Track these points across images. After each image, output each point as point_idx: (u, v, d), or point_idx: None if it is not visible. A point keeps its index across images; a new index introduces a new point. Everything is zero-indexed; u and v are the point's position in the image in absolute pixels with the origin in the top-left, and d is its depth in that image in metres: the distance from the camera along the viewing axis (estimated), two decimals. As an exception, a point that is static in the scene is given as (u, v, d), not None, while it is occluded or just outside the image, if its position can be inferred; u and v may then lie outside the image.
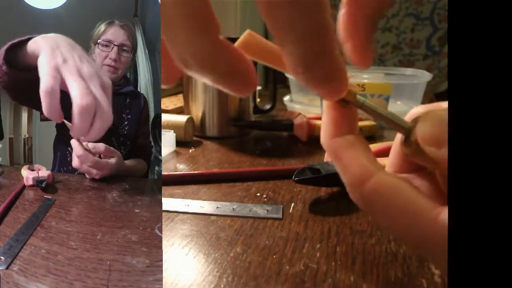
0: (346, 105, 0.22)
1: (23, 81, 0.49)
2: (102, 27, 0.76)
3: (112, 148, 0.54)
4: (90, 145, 0.50)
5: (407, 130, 0.20)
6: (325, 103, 0.23)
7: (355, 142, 0.21)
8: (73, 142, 0.48)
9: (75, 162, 0.49)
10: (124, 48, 0.76)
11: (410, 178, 0.23)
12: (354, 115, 0.22)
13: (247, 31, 0.22)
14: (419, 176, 0.22)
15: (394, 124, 0.21)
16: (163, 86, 0.21)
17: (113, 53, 0.74)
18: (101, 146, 0.52)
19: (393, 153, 0.24)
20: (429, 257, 0.20)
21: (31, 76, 0.44)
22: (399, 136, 0.23)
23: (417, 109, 0.22)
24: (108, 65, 0.74)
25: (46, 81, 0.37)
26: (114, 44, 0.74)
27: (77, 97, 0.37)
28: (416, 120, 0.20)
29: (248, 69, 0.18)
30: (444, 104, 0.21)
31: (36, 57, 0.40)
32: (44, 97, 0.36)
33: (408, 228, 0.19)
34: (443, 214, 0.17)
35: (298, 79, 0.18)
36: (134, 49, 0.79)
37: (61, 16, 1.03)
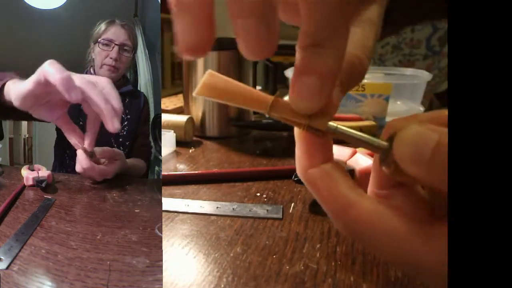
0: (318, 134, 0.21)
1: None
2: (102, 26, 0.76)
3: (117, 150, 0.54)
4: (97, 149, 0.49)
5: (384, 151, 0.20)
6: (296, 135, 0.22)
7: (331, 171, 0.21)
8: (80, 153, 0.47)
9: (79, 169, 0.48)
10: (125, 47, 0.76)
11: (392, 195, 0.22)
12: (328, 142, 0.22)
13: (209, 72, 0.21)
14: (401, 192, 0.22)
15: (370, 146, 0.20)
16: (188, 57, 0.19)
17: (113, 53, 0.74)
18: (107, 150, 0.51)
19: (373, 169, 0.24)
20: (424, 281, 0.20)
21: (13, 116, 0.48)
22: (376, 160, 0.23)
23: (393, 123, 0.21)
24: (109, 65, 0.74)
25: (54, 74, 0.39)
26: (115, 44, 0.74)
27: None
28: (392, 138, 0.19)
29: (275, 26, 0.18)
30: (421, 116, 0.20)
31: (10, 100, 0.43)
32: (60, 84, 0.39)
33: (395, 257, 0.18)
34: (431, 239, 0.17)
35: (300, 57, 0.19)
36: (134, 49, 0.79)
37: (61, 16, 1.03)
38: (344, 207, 0.19)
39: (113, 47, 0.74)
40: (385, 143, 0.20)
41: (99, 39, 0.75)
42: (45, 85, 0.40)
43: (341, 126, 0.21)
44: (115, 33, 0.75)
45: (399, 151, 0.18)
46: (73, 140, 0.46)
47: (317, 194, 0.21)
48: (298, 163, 0.22)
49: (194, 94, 0.21)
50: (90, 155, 0.47)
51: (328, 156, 0.21)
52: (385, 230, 0.18)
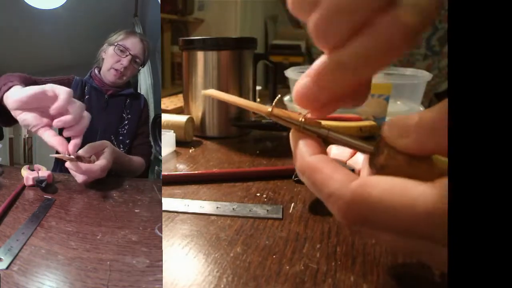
0: (312, 135, 0.24)
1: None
2: (123, 33, 0.78)
3: (99, 141, 0.54)
4: (81, 151, 0.49)
5: (373, 152, 0.22)
6: (292, 136, 0.25)
7: (331, 158, 0.23)
8: (68, 165, 0.47)
9: (81, 179, 0.48)
10: (137, 60, 0.78)
11: None
12: (319, 140, 0.24)
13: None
14: None
15: (359, 147, 0.23)
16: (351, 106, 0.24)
17: (125, 60, 0.76)
18: (92, 145, 0.51)
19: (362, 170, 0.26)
20: (427, 253, 0.20)
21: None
22: (364, 174, 0.25)
23: (360, 155, 0.25)
24: (117, 69, 0.75)
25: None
26: (129, 53, 0.76)
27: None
28: (377, 141, 0.22)
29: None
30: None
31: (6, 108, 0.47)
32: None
33: (401, 215, 0.19)
34: (435, 182, 0.18)
35: None
36: (143, 64, 0.81)
37: (61, 16, 1.03)
38: (348, 179, 0.21)
39: (126, 55, 0.76)
40: (371, 146, 0.22)
41: (116, 43, 0.76)
42: (44, 98, 0.44)
43: (332, 131, 0.24)
44: (133, 43, 0.77)
45: (389, 132, 0.21)
46: (60, 149, 0.46)
47: (318, 175, 0.22)
48: (298, 154, 0.24)
49: (202, 92, 0.27)
50: (80, 160, 0.48)
51: (322, 150, 0.24)
52: (389, 187, 0.19)
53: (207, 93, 0.29)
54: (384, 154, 0.21)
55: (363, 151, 0.23)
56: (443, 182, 0.18)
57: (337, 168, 0.22)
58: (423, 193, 0.18)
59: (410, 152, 0.20)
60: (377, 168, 0.22)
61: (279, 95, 0.26)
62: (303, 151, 0.23)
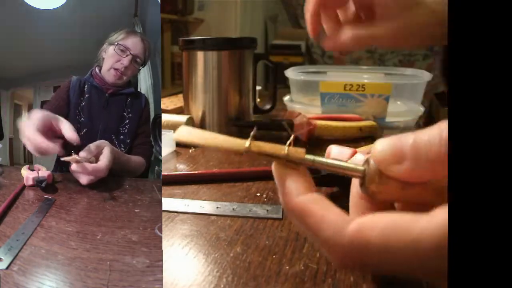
0: (297, 167, 0.23)
1: None
2: (123, 33, 0.78)
3: (96, 142, 0.55)
4: (82, 153, 0.50)
5: (362, 171, 0.21)
6: (275, 171, 0.23)
7: (322, 198, 0.21)
8: (74, 167, 0.48)
9: (86, 180, 0.49)
10: (137, 59, 0.78)
11: None
12: (307, 173, 0.23)
13: (181, 126, 0.25)
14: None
15: (348, 170, 0.22)
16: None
17: (126, 60, 0.76)
18: (91, 146, 0.52)
19: (353, 209, 0.24)
20: (432, 275, 0.19)
21: None
22: (354, 192, 0.24)
23: (359, 155, 0.23)
24: (116, 69, 0.75)
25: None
26: (130, 53, 0.76)
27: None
28: (367, 161, 0.20)
29: None
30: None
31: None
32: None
33: (406, 250, 0.17)
34: (434, 214, 0.17)
35: None
36: (144, 64, 0.81)
37: (61, 16, 1.03)
38: (344, 221, 0.19)
39: (127, 55, 0.76)
40: (361, 167, 0.21)
41: (116, 43, 0.76)
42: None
43: (318, 157, 0.22)
44: (134, 43, 0.77)
45: (380, 156, 0.19)
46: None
47: (309, 219, 0.20)
48: (286, 194, 0.22)
49: (173, 138, 0.24)
50: (84, 160, 0.48)
51: (311, 187, 0.22)
52: (388, 227, 0.18)
53: (177, 139, 0.25)
54: (376, 182, 0.20)
55: (352, 175, 0.22)
56: (443, 212, 0.17)
57: (329, 209, 0.20)
58: (425, 228, 0.17)
59: (404, 180, 0.19)
60: (368, 193, 0.21)
61: (255, 128, 0.24)
62: (291, 190, 0.22)
